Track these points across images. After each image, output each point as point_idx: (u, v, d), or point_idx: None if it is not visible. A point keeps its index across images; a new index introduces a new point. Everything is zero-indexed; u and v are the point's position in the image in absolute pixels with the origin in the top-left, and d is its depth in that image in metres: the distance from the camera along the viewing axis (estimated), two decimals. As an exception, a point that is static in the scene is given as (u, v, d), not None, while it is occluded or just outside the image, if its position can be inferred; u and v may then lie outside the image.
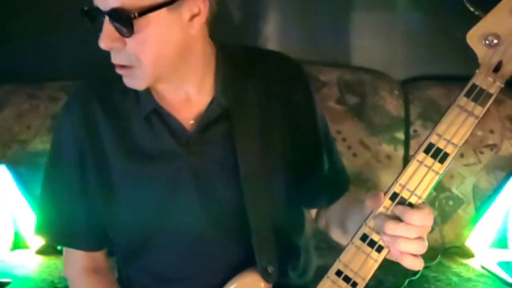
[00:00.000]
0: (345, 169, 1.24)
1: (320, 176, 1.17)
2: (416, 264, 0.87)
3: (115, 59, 0.98)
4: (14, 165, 1.84)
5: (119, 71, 1.00)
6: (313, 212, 1.26)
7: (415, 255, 0.87)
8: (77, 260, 1.18)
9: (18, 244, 1.88)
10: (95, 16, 0.95)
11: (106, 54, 0.99)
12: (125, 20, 0.92)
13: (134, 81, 1.01)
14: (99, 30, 0.95)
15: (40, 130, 1.87)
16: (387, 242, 0.88)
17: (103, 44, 0.95)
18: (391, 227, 0.86)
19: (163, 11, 0.93)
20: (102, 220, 1.13)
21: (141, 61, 0.96)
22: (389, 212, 0.88)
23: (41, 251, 1.85)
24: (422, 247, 0.87)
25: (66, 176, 1.12)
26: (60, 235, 1.16)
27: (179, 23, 0.97)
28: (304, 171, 1.15)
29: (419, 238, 0.87)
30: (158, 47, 0.97)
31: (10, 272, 1.73)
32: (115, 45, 0.95)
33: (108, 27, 0.94)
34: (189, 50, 1.01)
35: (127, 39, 0.94)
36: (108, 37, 0.94)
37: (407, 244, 0.86)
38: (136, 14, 0.91)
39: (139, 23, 0.93)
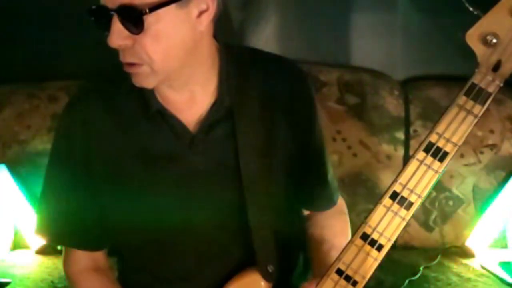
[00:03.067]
0: (335, 183, 1.24)
1: (314, 181, 1.19)
2: None
3: (124, 57, 0.97)
4: (14, 165, 1.84)
5: (128, 69, 0.99)
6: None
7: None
8: (77, 259, 1.18)
9: (18, 244, 1.88)
10: (102, 15, 0.94)
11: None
12: (135, 17, 0.92)
13: (144, 80, 1.00)
14: (105, 29, 0.94)
15: (40, 130, 1.87)
16: None
17: (113, 42, 0.94)
18: None
19: (172, 7, 0.93)
20: (103, 220, 1.13)
21: (151, 58, 0.96)
22: (389, 212, 0.89)
23: (41, 251, 1.85)
24: None
25: (68, 175, 1.12)
26: (61, 234, 1.16)
27: (187, 20, 0.96)
28: (302, 173, 1.16)
29: None
30: (168, 43, 0.96)
31: (10, 272, 1.72)
32: (124, 43, 0.94)
33: (117, 25, 0.93)
34: (196, 47, 1.01)
35: (136, 37, 0.94)
36: (117, 35, 0.93)
37: None
38: (147, 10, 0.91)
39: (148, 19, 0.92)
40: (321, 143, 1.20)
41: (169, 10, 0.93)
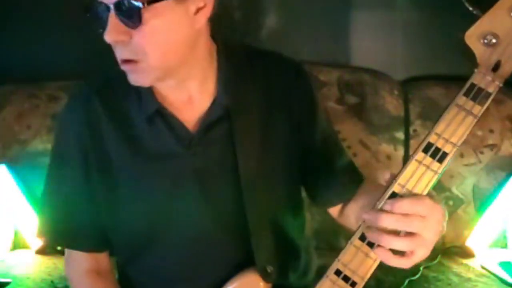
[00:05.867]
0: (353, 163, 1.21)
1: (329, 174, 1.16)
2: (396, 262, 0.85)
3: (121, 53, 0.96)
4: (14, 165, 1.84)
5: (124, 67, 0.98)
6: (334, 210, 1.21)
7: (398, 252, 0.84)
8: (79, 261, 1.18)
9: (18, 244, 1.88)
10: (99, 11, 0.93)
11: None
12: (132, 11, 0.90)
13: (140, 77, 0.99)
14: (101, 27, 0.93)
15: (40, 130, 1.87)
16: (370, 237, 0.86)
17: (110, 37, 0.92)
18: (372, 217, 0.84)
19: (170, 2, 0.92)
20: (104, 221, 1.13)
21: (147, 54, 0.95)
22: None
23: (41, 251, 1.85)
24: (400, 244, 0.84)
25: (69, 177, 1.11)
26: (63, 236, 1.16)
27: (185, 16, 0.96)
28: (308, 170, 1.15)
29: (407, 234, 0.84)
30: (164, 39, 0.95)
31: (10, 272, 1.73)
32: (121, 38, 0.93)
33: (114, 20, 0.92)
34: (193, 44, 1.01)
35: (133, 32, 0.93)
36: (114, 30, 0.92)
37: (383, 237, 0.84)
38: (145, 4, 0.90)
39: (146, 14, 0.91)
40: (326, 137, 1.17)
41: (167, 5, 0.92)
